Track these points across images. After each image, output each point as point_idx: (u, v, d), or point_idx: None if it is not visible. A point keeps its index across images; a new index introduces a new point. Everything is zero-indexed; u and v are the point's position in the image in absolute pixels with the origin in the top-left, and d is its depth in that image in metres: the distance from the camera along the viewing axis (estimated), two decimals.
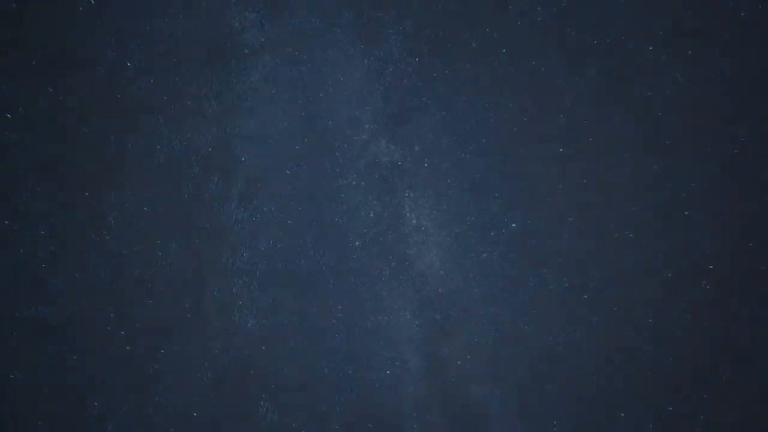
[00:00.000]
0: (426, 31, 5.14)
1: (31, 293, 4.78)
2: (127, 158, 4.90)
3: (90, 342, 4.94)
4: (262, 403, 5.20)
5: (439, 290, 5.54)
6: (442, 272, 5.49)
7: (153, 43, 4.63)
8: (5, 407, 4.61)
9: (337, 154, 5.24)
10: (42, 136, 4.60)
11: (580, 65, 5.51)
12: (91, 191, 4.87)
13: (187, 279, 5.03)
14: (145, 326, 4.97)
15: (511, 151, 5.55)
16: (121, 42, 4.52)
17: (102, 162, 4.88)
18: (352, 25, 5.06)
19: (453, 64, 5.29)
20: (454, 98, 5.36)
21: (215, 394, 5.13)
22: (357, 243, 5.34)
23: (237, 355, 5.17)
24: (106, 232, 4.83)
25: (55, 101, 4.47)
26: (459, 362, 5.61)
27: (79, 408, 4.81)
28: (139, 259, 4.88)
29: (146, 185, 4.90)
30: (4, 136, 4.48)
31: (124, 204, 4.83)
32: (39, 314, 4.69)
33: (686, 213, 5.42)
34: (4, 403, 4.64)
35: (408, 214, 5.43)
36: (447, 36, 5.21)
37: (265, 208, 5.11)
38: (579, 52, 5.49)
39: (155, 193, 4.93)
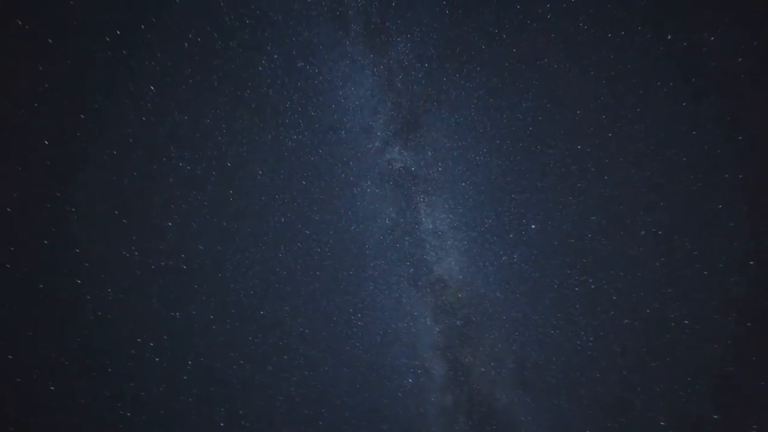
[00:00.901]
0: (434, 37, 4.99)
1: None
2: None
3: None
4: (281, 411, 5.05)
5: (459, 295, 5.27)
6: (461, 277, 5.22)
7: (169, 67, 4.70)
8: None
9: (351, 163, 5.14)
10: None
11: (595, 60, 5.19)
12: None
13: (206, 291, 5.01)
14: (172, 337, 4.95)
15: (527, 151, 5.26)
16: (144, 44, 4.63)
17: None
18: (361, 37, 5.00)
19: (463, 67, 5.10)
20: (465, 101, 5.16)
21: (239, 399, 5.03)
22: (374, 250, 5.18)
23: (258, 363, 5.07)
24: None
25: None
26: (483, 369, 5.27)
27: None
28: (162, 267, 4.90)
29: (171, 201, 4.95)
30: None
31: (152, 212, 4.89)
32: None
33: (719, 207, 4.92)
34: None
35: (424, 220, 5.22)
36: (455, 40, 5.04)
37: (282, 219, 5.04)
38: (593, 47, 5.17)
39: (185, 203, 4.96)
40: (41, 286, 4.80)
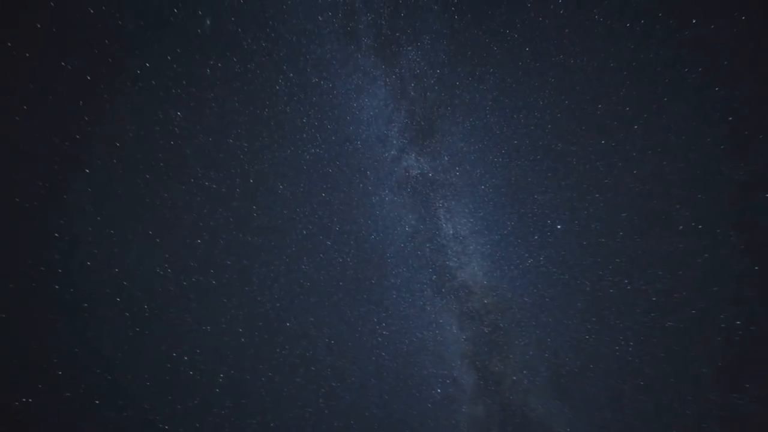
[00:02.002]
0: (444, 43, 4.79)
1: None
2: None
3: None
4: (311, 423, 4.82)
5: (485, 301, 4.89)
6: (485, 282, 4.85)
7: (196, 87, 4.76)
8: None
9: (368, 172, 4.96)
10: None
11: (614, 51, 4.79)
12: None
13: (234, 304, 4.92)
14: (205, 351, 4.88)
15: (548, 150, 4.89)
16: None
17: None
18: (372, 49, 4.88)
19: (475, 70, 4.85)
20: (479, 104, 4.89)
21: (270, 412, 4.86)
22: (395, 258, 4.93)
23: (286, 375, 4.89)
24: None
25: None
26: (515, 378, 4.82)
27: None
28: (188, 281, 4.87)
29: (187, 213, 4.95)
30: None
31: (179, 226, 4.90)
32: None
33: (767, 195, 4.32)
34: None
35: (444, 225, 4.93)
36: (466, 44, 4.81)
37: (304, 231, 4.91)
38: (611, 39, 4.78)
39: (213, 220, 4.95)
40: (84, 305, 4.86)
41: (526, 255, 4.62)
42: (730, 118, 4.43)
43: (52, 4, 4.41)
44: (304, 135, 4.87)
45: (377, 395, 4.69)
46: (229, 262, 4.93)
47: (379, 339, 4.71)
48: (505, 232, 4.67)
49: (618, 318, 4.57)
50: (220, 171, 4.90)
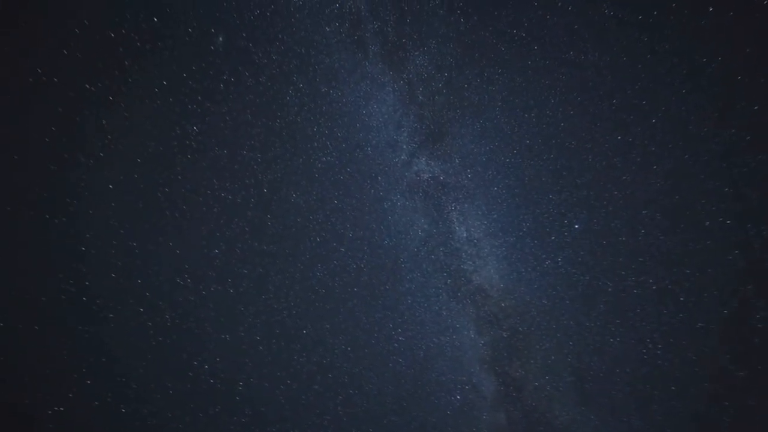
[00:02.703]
0: (450, 46, 4.65)
1: None
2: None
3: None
4: (327, 429, 4.66)
5: (503, 305, 4.65)
6: (502, 285, 4.61)
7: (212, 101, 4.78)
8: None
9: (380, 177, 4.84)
10: None
11: (627, 45, 4.54)
12: None
13: (251, 312, 4.85)
14: (224, 359, 4.82)
15: (561, 148, 4.65)
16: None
17: None
18: (380, 56, 4.80)
19: (484, 71, 4.68)
20: (489, 105, 4.71)
21: (290, 420, 4.73)
22: (409, 263, 4.76)
23: (304, 382, 4.76)
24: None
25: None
26: (537, 384, 4.54)
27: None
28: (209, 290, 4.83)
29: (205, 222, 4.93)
30: None
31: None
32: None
33: None
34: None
35: (457, 228, 4.74)
36: (473, 46, 4.66)
37: (318, 239, 4.82)
38: (624, 32, 4.54)
39: (229, 230, 4.93)
40: (111, 315, 4.89)
41: (544, 256, 4.36)
42: (756, 107, 4.09)
43: (77, 30, 4.50)
44: (315, 143, 4.80)
45: (395, 402, 4.49)
46: (245, 271, 4.88)
47: (396, 345, 4.52)
48: (520, 233, 4.43)
49: (643, 320, 4.24)
50: (235, 182, 4.88)
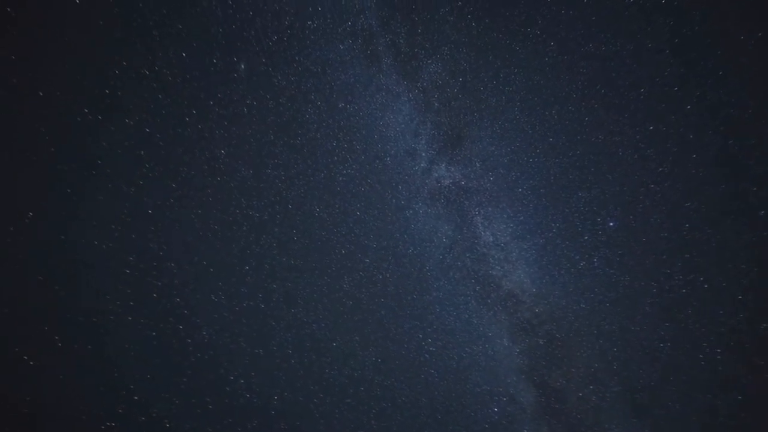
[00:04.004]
0: (464, 51, 4.38)
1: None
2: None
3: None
4: None
5: (536, 310, 4.18)
6: (534, 290, 4.16)
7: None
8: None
9: (400, 187, 4.58)
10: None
11: (651, 31, 4.07)
12: None
13: (282, 326, 4.67)
14: (259, 373, 4.65)
15: (587, 143, 4.19)
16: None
17: None
18: (393, 68, 4.60)
19: (499, 72, 4.35)
20: (507, 106, 4.36)
21: (322, 429, 4.44)
22: (435, 271, 4.41)
23: (337, 396, 4.47)
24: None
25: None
26: (581, 394, 3.99)
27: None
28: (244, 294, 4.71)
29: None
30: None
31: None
32: None
33: None
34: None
35: (483, 233, 4.36)
36: (486, 49, 4.36)
37: (343, 251, 4.59)
38: (647, 19, 4.08)
39: (258, 247, 4.83)
40: (153, 333, 4.86)
41: (577, 257, 3.87)
42: None
43: (116, 71, 4.62)
44: (335, 158, 4.63)
45: (430, 415, 4.09)
46: (275, 286, 4.73)
47: (427, 356, 4.15)
48: (549, 235, 3.98)
49: (697, 321, 3.63)
50: (262, 200, 4.79)
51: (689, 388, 3.71)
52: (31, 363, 4.62)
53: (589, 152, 4.12)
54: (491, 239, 4.28)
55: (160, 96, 4.78)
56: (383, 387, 4.39)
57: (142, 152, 4.82)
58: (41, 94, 4.45)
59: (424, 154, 4.63)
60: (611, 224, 3.91)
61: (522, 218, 4.23)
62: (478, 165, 4.44)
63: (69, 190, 4.69)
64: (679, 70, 3.93)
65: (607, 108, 4.13)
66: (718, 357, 3.64)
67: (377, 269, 4.68)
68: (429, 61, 4.65)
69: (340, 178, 4.83)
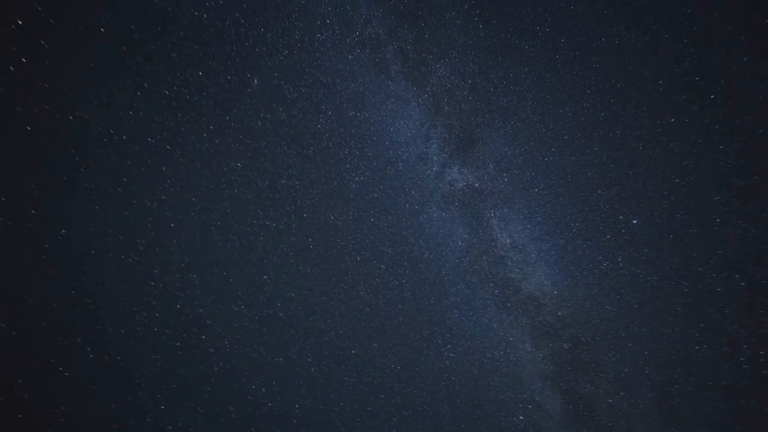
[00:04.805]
0: (472, 53, 4.22)
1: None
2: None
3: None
4: None
5: (559, 313, 3.89)
6: (556, 292, 3.88)
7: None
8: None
9: (413, 191, 4.43)
10: None
11: (668, 21, 3.80)
12: None
13: (301, 335, 4.54)
14: (279, 382, 4.52)
15: (605, 139, 3.93)
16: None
17: None
18: (402, 74, 4.49)
19: (509, 73, 4.16)
20: (518, 105, 4.15)
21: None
22: (452, 275, 4.19)
23: (357, 403, 4.28)
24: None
25: None
26: (611, 401, 3.67)
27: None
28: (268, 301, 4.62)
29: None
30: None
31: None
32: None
33: None
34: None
35: (499, 235, 4.13)
36: (495, 50, 4.18)
37: (358, 257, 4.44)
38: (664, 9, 3.82)
39: (276, 256, 4.76)
40: (178, 344, 4.83)
41: (600, 258, 3.59)
42: None
43: (138, 93, 4.68)
44: (348, 165, 4.52)
45: (453, 423, 3.84)
46: (292, 294, 4.62)
47: (447, 362, 3.92)
48: (569, 235, 3.71)
49: (735, 322, 3.27)
50: (277, 210, 4.72)
51: (732, 394, 3.34)
52: (66, 374, 4.63)
53: (607, 148, 3.84)
54: (508, 241, 4.03)
55: (179, 114, 4.81)
56: (404, 395, 4.17)
57: (164, 168, 4.84)
58: (71, 118, 4.53)
59: (436, 158, 4.46)
60: (634, 222, 3.61)
61: (539, 219, 3.98)
62: (491, 166, 4.22)
63: (97, 207, 4.73)
64: (700, 58, 3.62)
65: (624, 102, 3.85)
66: (762, 360, 3.26)
67: (393, 275, 4.50)
68: (437, 66, 4.50)
69: (353, 186, 4.72)
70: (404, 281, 4.54)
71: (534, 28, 4.19)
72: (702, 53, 3.67)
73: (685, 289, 3.52)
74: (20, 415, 4.61)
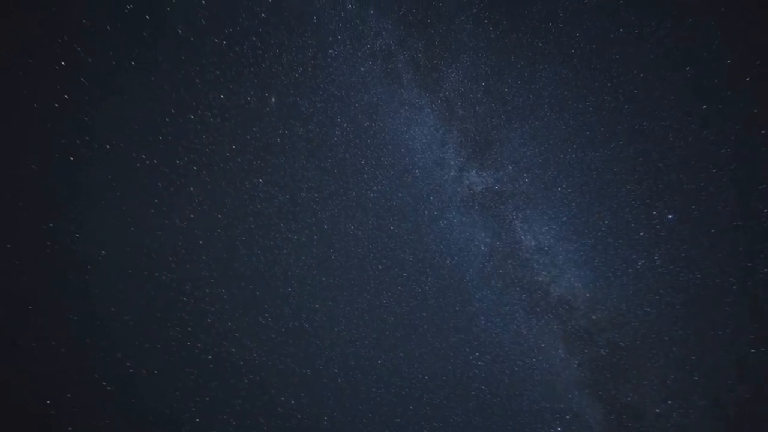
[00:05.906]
0: (483, 56, 4.01)
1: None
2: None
3: None
4: None
5: (593, 317, 3.53)
6: (588, 294, 3.53)
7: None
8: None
9: (432, 197, 4.23)
10: None
11: (691, 5, 3.47)
12: None
13: (327, 345, 4.37)
14: (308, 394, 4.35)
15: (631, 132, 3.59)
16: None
17: None
18: (414, 82, 4.34)
19: (523, 72, 3.91)
20: (535, 104, 3.89)
21: None
22: (476, 281, 3.92)
23: (386, 415, 4.03)
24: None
25: None
26: (658, 410, 3.25)
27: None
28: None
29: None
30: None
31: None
32: None
33: None
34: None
35: (523, 237, 3.84)
36: (507, 50, 3.96)
37: (380, 266, 4.26)
38: (675, 3, 3.49)
39: (299, 268, 4.65)
40: (209, 356, 4.77)
41: (634, 256, 3.23)
42: None
43: (166, 119, 4.75)
44: (365, 175, 4.38)
45: None
46: (316, 305, 4.48)
47: (476, 371, 3.63)
48: (598, 234, 3.37)
49: None
50: (299, 222, 4.63)
51: None
52: (108, 388, 4.63)
53: (634, 141, 3.49)
54: (533, 243, 3.72)
55: (203, 136, 4.83)
56: (433, 405, 3.89)
57: (191, 188, 4.85)
58: (108, 147, 4.64)
59: (453, 163, 4.24)
60: (670, 217, 3.23)
61: (565, 219, 3.65)
62: (510, 168, 3.95)
63: (133, 229, 4.79)
64: (730, 40, 3.24)
65: (648, 92, 3.51)
66: None
67: (416, 282, 4.27)
68: (449, 71, 4.32)
69: (372, 195, 4.56)
70: (427, 288, 4.29)
71: (546, 25, 3.93)
72: (730, 36, 3.29)
73: (734, 287, 3.09)
74: (70, 428, 4.64)
